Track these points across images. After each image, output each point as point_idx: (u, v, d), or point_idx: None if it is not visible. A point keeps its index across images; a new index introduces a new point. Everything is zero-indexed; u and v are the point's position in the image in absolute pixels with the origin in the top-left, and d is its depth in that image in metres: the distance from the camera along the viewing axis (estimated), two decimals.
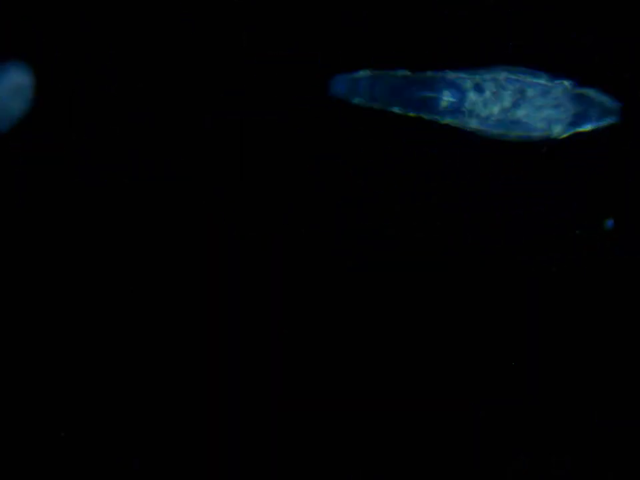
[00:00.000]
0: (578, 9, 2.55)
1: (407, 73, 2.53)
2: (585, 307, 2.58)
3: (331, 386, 2.57)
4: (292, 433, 2.57)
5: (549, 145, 2.51)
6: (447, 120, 2.52)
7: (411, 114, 2.52)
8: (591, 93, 2.51)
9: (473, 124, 2.51)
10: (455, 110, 2.51)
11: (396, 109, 2.52)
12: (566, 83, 2.51)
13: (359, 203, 2.56)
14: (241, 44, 2.55)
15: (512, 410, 2.58)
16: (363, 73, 2.53)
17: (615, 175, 2.57)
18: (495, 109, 2.50)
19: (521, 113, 2.50)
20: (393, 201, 2.56)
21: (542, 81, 2.50)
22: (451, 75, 2.52)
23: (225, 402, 2.56)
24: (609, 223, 2.53)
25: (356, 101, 2.53)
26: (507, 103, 2.50)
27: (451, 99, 2.51)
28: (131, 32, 2.55)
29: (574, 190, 2.57)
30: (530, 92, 2.50)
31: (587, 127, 2.51)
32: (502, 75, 2.50)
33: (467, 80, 2.51)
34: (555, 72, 2.51)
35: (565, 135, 2.50)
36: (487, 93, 2.50)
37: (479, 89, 2.50)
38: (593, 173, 2.56)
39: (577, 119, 2.51)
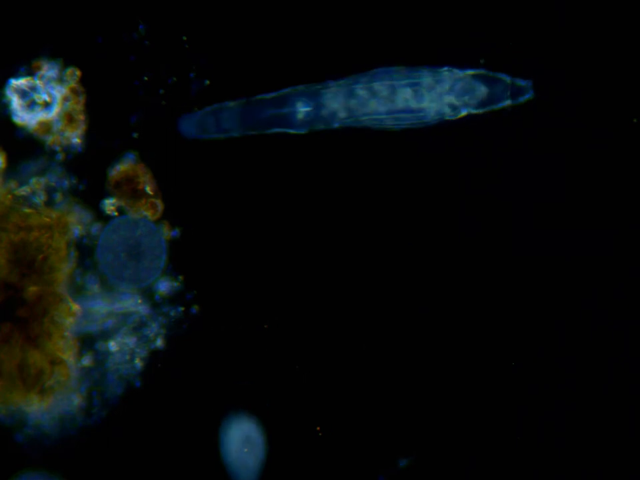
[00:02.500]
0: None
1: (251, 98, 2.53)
2: (585, 307, 2.59)
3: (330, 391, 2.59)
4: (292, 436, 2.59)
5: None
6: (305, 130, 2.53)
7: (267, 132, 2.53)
8: (496, 75, 2.53)
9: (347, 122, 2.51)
10: (313, 119, 2.51)
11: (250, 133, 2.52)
12: (456, 70, 2.53)
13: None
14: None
15: (511, 410, 2.59)
16: (210, 108, 2.53)
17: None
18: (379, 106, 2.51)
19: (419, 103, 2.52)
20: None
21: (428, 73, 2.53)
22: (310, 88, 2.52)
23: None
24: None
25: (207, 136, 2.53)
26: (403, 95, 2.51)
27: (307, 109, 2.50)
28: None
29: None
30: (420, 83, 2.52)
31: (500, 106, 2.53)
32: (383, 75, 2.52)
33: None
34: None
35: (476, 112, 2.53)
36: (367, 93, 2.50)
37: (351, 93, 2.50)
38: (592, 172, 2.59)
39: (488, 100, 2.53)
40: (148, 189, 2.51)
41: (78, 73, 2.52)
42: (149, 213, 2.51)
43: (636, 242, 2.59)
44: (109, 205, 2.51)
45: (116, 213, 2.51)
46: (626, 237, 2.59)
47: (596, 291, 2.58)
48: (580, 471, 2.59)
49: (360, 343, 2.57)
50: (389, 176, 2.57)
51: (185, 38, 2.54)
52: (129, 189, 2.50)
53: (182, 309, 2.51)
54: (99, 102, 2.54)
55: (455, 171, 2.58)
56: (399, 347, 2.58)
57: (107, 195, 2.52)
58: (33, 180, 2.50)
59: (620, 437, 2.58)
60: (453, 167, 2.58)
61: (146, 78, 2.53)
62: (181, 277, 2.52)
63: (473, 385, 2.59)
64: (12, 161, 2.51)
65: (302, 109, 2.50)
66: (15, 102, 2.51)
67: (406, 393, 2.58)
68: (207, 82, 2.54)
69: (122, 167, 2.52)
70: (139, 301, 2.49)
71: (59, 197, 2.50)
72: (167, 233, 2.52)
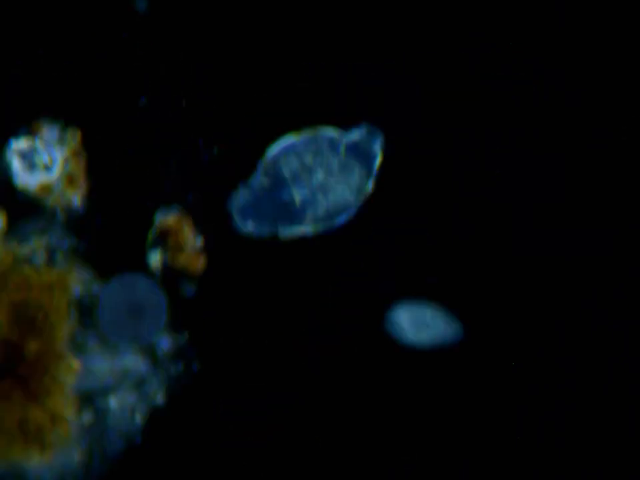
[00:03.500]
0: None
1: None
2: (585, 307, 2.62)
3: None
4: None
5: None
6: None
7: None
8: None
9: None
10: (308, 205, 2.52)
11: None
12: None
13: None
14: None
15: (511, 411, 2.61)
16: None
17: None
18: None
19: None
20: None
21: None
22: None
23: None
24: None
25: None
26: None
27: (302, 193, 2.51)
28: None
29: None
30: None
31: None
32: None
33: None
34: None
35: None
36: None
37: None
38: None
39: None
40: (191, 243, 2.53)
41: (78, 134, 2.55)
42: (191, 267, 2.53)
43: (636, 242, 2.62)
44: (155, 260, 2.53)
45: (160, 268, 2.53)
46: (626, 237, 2.62)
47: (596, 291, 2.61)
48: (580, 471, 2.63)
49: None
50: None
51: (184, 102, 2.58)
52: (173, 242, 2.53)
53: (182, 365, 2.53)
54: (100, 164, 2.57)
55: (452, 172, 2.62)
56: (399, 348, 2.60)
57: (151, 248, 2.55)
58: (34, 240, 2.53)
59: (620, 437, 2.61)
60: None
61: (149, 141, 2.58)
62: (184, 333, 2.54)
63: (473, 386, 2.60)
64: (13, 221, 2.53)
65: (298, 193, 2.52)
66: (16, 163, 2.54)
67: (405, 394, 2.60)
68: (216, 150, 2.59)
69: (167, 219, 2.55)
70: (140, 359, 2.51)
71: (59, 256, 2.53)
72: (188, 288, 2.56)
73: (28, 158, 2.54)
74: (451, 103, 2.60)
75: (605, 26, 2.61)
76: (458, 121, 2.60)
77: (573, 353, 2.61)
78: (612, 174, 2.61)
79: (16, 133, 2.56)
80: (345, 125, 2.57)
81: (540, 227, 2.61)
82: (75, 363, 2.48)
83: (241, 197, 2.51)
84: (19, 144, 2.54)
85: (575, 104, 2.60)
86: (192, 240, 2.52)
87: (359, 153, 2.52)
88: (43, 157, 2.54)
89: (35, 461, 2.46)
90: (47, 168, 2.54)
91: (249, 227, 2.52)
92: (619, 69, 2.62)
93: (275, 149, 2.50)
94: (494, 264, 2.61)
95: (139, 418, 2.52)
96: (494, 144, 2.60)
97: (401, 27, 2.61)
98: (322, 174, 2.50)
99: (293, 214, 2.51)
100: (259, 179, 2.49)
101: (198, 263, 2.53)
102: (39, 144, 2.54)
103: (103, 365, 2.51)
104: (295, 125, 2.57)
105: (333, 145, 2.51)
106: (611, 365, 2.60)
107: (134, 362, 2.52)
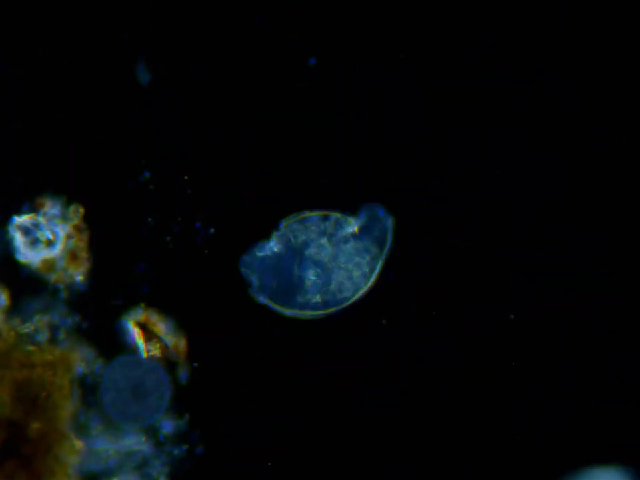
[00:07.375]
0: None
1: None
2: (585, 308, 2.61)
3: None
4: None
5: None
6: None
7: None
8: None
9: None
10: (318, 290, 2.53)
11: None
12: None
13: None
14: None
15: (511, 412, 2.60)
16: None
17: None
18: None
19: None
20: None
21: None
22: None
23: None
24: None
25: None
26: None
27: (315, 279, 2.53)
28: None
29: None
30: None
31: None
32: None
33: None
34: None
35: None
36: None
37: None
38: None
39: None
40: (165, 332, 2.53)
41: (81, 210, 2.56)
42: (173, 354, 2.53)
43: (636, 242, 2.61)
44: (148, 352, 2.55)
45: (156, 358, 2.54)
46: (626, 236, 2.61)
47: (596, 291, 2.60)
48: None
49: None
50: None
51: (186, 178, 2.59)
52: (148, 334, 2.53)
53: (185, 447, 2.53)
54: (103, 240, 2.57)
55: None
56: (398, 350, 2.60)
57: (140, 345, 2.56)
58: (37, 317, 2.53)
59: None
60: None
61: (150, 219, 2.58)
62: (185, 416, 2.53)
63: (473, 385, 2.59)
64: (15, 299, 2.53)
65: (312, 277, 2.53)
66: (18, 239, 2.54)
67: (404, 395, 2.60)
68: (212, 230, 2.59)
69: (135, 316, 2.56)
70: (143, 439, 2.51)
71: (62, 334, 2.53)
72: (180, 374, 2.55)
73: (30, 233, 2.54)
74: (451, 103, 2.59)
75: (605, 26, 2.60)
76: (458, 120, 2.59)
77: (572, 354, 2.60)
78: (612, 174, 2.60)
79: (19, 209, 2.56)
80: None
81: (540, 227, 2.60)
82: (78, 443, 2.48)
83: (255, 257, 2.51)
84: (22, 220, 2.55)
85: (575, 104, 2.60)
86: (164, 329, 2.52)
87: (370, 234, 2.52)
88: (45, 233, 2.54)
89: None
90: (50, 244, 2.54)
91: (254, 282, 2.52)
92: (619, 68, 2.61)
93: (289, 220, 2.51)
94: (493, 264, 2.59)
95: None
96: (494, 144, 2.59)
97: (400, 26, 2.60)
98: (330, 254, 2.51)
99: (297, 289, 2.51)
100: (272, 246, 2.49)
101: (178, 349, 2.52)
102: (41, 219, 2.55)
103: (106, 446, 2.50)
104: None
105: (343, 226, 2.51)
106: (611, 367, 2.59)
107: (137, 443, 2.51)
